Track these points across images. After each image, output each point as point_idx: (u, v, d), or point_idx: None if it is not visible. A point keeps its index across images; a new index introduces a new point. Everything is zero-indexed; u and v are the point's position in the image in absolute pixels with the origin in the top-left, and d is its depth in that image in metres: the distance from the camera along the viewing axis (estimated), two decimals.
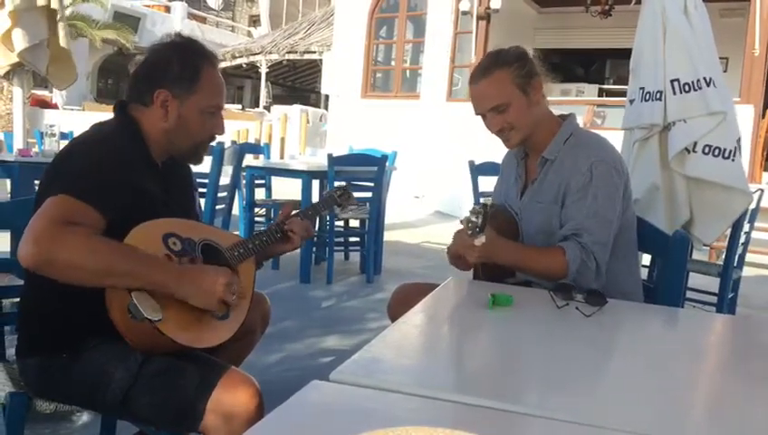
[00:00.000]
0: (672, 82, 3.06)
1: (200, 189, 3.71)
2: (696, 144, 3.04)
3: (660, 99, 3.08)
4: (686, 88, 3.04)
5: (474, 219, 1.65)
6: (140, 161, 1.60)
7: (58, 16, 4.51)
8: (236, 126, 13.89)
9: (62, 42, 4.58)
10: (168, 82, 1.60)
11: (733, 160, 3.06)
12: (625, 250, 1.99)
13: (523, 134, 1.95)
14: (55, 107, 16.32)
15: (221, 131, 1.73)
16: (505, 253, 1.86)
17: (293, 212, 1.90)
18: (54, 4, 4.37)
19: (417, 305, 1.50)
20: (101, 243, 1.38)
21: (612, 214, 1.89)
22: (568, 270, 1.82)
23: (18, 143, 4.92)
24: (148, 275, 1.39)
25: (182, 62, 1.62)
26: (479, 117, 1.98)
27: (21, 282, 1.59)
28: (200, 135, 1.68)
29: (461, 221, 1.71)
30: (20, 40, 4.35)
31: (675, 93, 3.05)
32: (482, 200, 1.68)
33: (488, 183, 4.23)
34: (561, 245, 1.86)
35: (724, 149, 3.04)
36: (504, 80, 1.90)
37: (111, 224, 1.44)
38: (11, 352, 1.64)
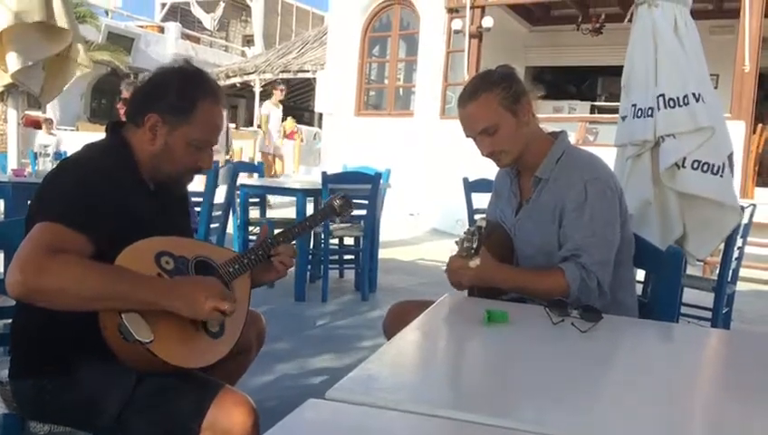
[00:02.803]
0: (658, 97, 3.09)
1: (195, 208, 3.73)
2: (684, 160, 3.06)
3: (651, 115, 3.11)
4: (672, 103, 3.06)
5: (467, 243, 1.66)
6: (130, 182, 1.60)
7: (70, 38, 4.51)
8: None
9: (83, 60, 4.60)
10: (161, 108, 1.59)
11: (721, 176, 3.08)
12: (622, 267, 1.99)
13: (513, 155, 1.96)
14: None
15: (207, 166, 1.69)
16: (502, 277, 1.86)
17: (276, 232, 1.82)
18: (62, 23, 4.37)
19: (413, 322, 1.49)
20: (88, 268, 1.37)
21: (610, 232, 1.89)
22: (568, 290, 1.82)
23: (12, 164, 4.92)
24: (136, 295, 1.38)
25: (180, 91, 1.60)
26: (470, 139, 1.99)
27: (13, 302, 1.58)
28: (183, 165, 1.66)
29: (456, 243, 1.72)
30: (14, 61, 4.35)
31: (659, 109, 3.08)
32: (477, 218, 1.69)
33: (482, 200, 4.23)
34: (560, 266, 1.86)
35: (713, 165, 3.06)
36: (492, 102, 1.90)
37: (101, 246, 1.43)
38: (4, 373, 1.62)
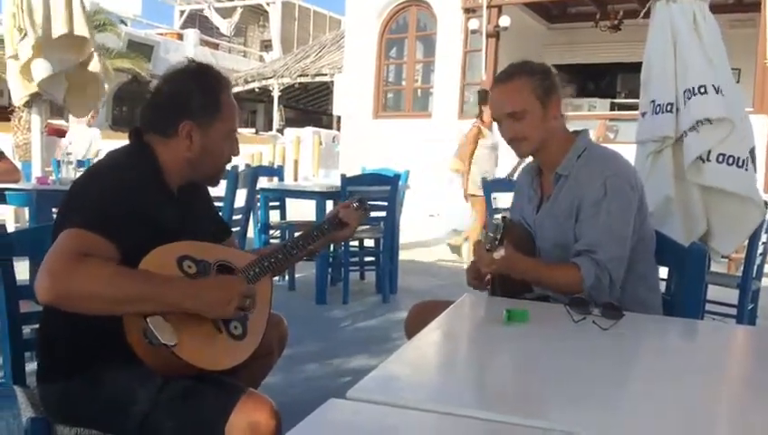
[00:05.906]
0: (678, 93, 3.06)
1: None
2: (709, 153, 3.03)
3: (671, 111, 3.08)
4: (688, 95, 3.04)
5: (491, 234, 1.67)
6: (153, 188, 1.61)
7: (91, 47, 4.59)
8: (250, 150, 13.96)
9: (96, 68, 4.67)
10: (192, 114, 1.62)
11: (746, 170, 3.04)
12: (644, 264, 1.98)
13: (533, 145, 1.97)
14: None
15: (237, 152, 1.75)
16: (521, 266, 1.86)
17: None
18: (80, 31, 4.44)
19: (434, 322, 1.50)
20: (115, 272, 1.40)
21: (627, 229, 1.89)
22: (582, 285, 1.82)
23: (36, 172, 4.98)
24: (163, 297, 1.41)
25: (203, 92, 1.63)
26: (495, 125, 2.01)
27: (40, 308, 1.60)
28: (222, 160, 1.72)
29: (481, 236, 1.73)
30: (39, 70, 4.42)
31: (680, 104, 3.06)
32: (500, 215, 1.70)
33: (501, 200, 4.20)
34: (575, 260, 1.86)
35: (738, 158, 3.03)
36: (525, 88, 1.93)
37: (126, 252, 1.46)
38: (31, 378, 1.65)
